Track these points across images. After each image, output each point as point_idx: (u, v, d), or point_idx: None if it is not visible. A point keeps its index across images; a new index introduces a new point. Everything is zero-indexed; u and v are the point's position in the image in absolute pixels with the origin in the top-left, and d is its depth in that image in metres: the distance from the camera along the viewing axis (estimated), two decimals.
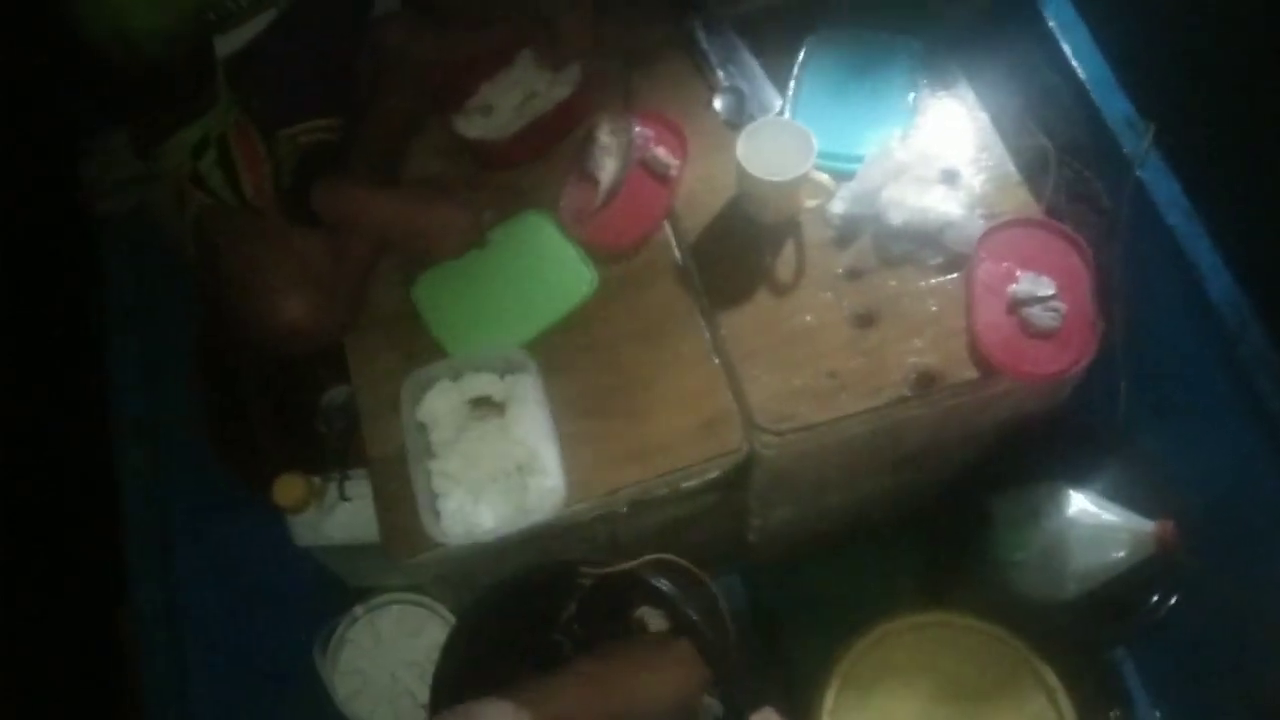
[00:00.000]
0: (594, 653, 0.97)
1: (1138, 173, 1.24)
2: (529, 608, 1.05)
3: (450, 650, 1.05)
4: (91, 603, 1.15)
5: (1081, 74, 1.30)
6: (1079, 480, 1.20)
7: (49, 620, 1.12)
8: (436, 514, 1.01)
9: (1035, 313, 1.09)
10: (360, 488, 1.19)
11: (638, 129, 1.20)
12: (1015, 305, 1.09)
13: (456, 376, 1.07)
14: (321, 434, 1.33)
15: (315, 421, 1.33)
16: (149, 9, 0.92)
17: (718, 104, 1.24)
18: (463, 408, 1.06)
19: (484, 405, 1.06)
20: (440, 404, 1.06)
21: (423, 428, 1.05)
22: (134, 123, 1.04)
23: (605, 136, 1.19)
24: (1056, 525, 1.17)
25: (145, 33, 0.92)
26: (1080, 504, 1.17)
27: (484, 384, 1.06)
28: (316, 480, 1.19)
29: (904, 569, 1.40)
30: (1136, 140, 1.26)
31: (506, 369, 1.07)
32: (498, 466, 1.03)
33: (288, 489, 1.16)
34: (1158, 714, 1.32)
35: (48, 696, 1.09)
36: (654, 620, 1.06)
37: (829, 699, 1.13)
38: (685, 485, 1.08)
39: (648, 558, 1.04)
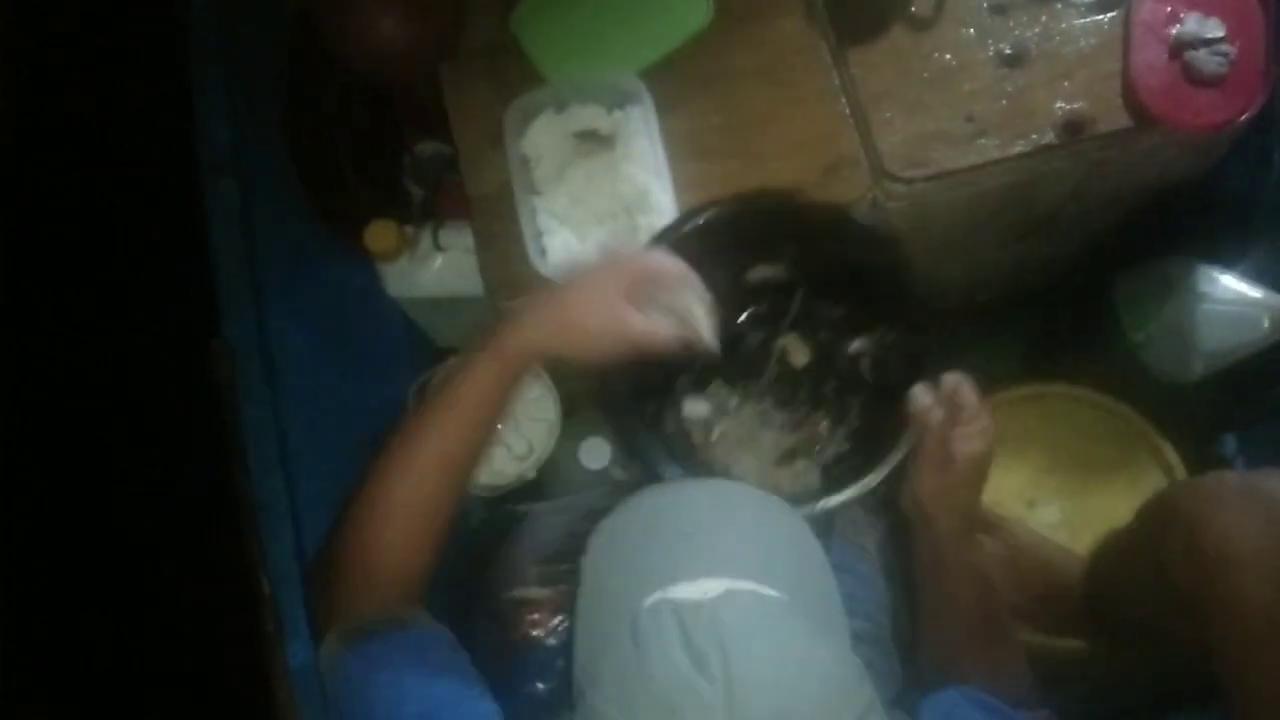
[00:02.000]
0: None
1: None
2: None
3: None
4: (189, 333, 1.14)
5: None
6: (1217, 258, 1.13)
7: (148, 350, 1.12)
8: (542, 251, 0.96)
9: (1201, 57, 0.99)
10: (455, 238, 1.15)
11: None
12: (1179, 48, 0.99)
13: (562, 108, 1.00)
14: (410, 191, 1.29)
15: (404, 177, 1.28)
16: None
17: None
18: (569, 141, 1.00)
19: (591, 140, 1.00)
20: (544, 136, 1.00)
21: (526, 162, 1.00)
22: None
23: None
24: (1187, 302, 1.11)
25: None
26: (1214, 280, 1.11)
27: (591, 116, 1.00)
28: (410, 229, 1.15)
29: (1011, 352, 1.35)
30: None
31: (615, 102, 1.01)
32: (605, 206, 0.98)
33: (380, 235, 1.13)
34: None
35: (149, 430, 1.10)
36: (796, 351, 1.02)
37: None
38: None
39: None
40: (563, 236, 0.98)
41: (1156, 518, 0.82)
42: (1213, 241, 1.15)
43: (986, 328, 1.36)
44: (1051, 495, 1.12)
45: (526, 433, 1.19)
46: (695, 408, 1.03)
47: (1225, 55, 0.99)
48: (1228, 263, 1.13)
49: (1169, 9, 1.01)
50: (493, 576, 0.99)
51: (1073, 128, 0.98)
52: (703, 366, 1.01)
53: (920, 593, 0.88)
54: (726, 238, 0.96)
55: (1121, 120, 0.99)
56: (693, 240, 0.93)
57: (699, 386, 1.03)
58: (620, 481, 1.19)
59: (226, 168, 1.09)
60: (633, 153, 0.98)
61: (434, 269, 1.16)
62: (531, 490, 1.19)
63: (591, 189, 0.99)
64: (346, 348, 1.25)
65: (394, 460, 0.77)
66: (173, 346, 1.17)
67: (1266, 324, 1.08)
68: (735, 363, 1.01)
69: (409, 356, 1.31)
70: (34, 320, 1.15)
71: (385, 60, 0.99)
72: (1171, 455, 1.10)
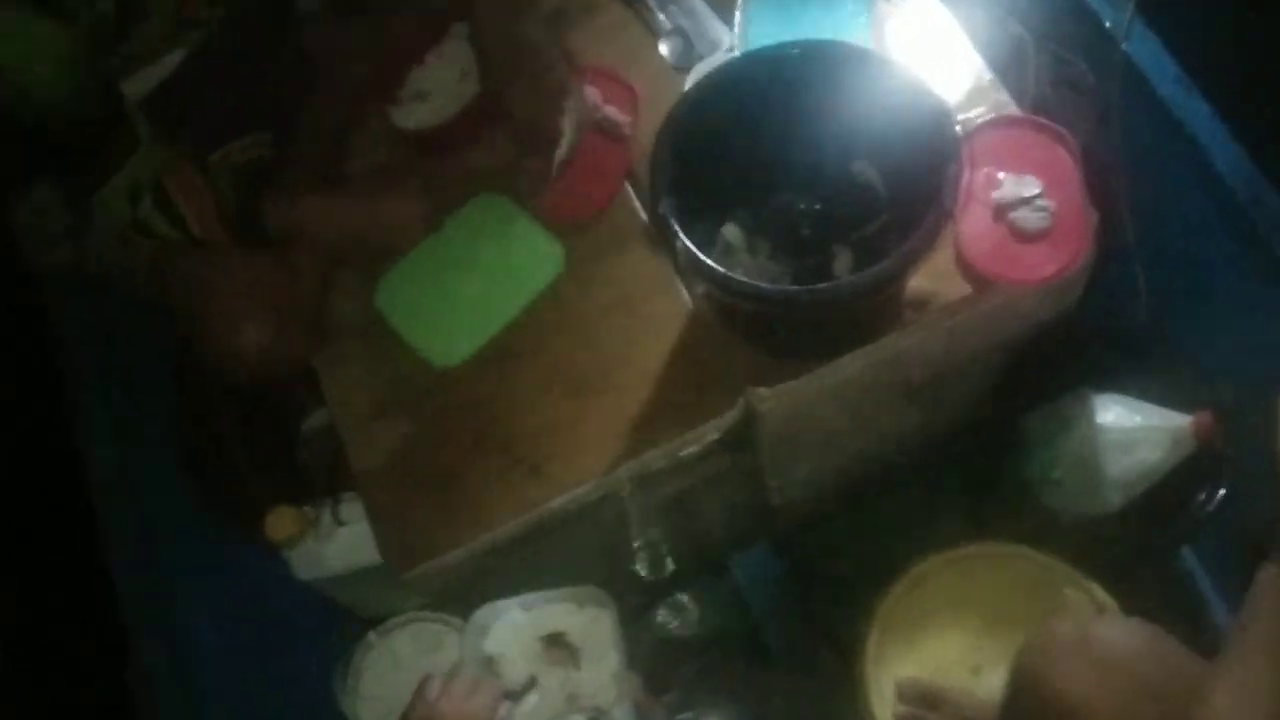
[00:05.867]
0: None
1: (1124, 46, 1.29)
2: None
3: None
4: (97, 672, 1.23)
5: None
6: (1109, 385, 1.25)
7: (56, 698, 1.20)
8: None
9: (1022, 215, 1.13)
10: (354, 510, 1.27)
11: (586, 89, 1.26)
12: (1001, 211, 1.14)
13: (528, 608, 1.15)
14: (305, 463, 1.41)
15: (298, 451, 1.41)
16: (43, 70, 1.00)
17: (664, 49, 1.29)
18: (536, 644, 1.13)
19: (557, 646, 1.14)
20: (511, 637, 1.13)
21: (490, 662, 1.12)
22: (60, 178, 1.13)
23: None
24: (1088, 434, 1.23)
25: (45, 92, 1.01)
26: (1110, 408, 1.23)
27: (560, 616, 1.14)
28: (308, 509, 1.27)
29: (945, 505, 1.46)
30: (1117, 13, 1.30)
31: (583, 600, 1.15)
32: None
33: (280, 523, 1.24)
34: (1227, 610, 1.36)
35: None
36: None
37: (870, 648, 1.20)
38: (685, 453, 1.14)
39: None
40: None
41: (1015, 678, 0.92)
42: (1102, 371, 1.27)
43: (916, 487, 1.47)
44: (995, 659, 1.19)
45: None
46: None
47: (1046, 209, 1.14)
48: (1121, 388, 1.25)
49: (985, 174, 1.17)
50: None
51: (916, 305, 1.12)
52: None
53: None
54: None
55: (961, 288, 1.13)
56: None
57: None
58: None
59: (121, 493, 1.22)
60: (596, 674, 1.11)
61: (340, 544, 1.27)
62: None
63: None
64: (266, 637, 1.35)
65: None
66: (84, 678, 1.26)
67: (1166, 446, 1.19)
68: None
69: (332, 630, 1.40)
70: None
71: (257, 367, 1.14)
72: (1100, 594, 1.19)
